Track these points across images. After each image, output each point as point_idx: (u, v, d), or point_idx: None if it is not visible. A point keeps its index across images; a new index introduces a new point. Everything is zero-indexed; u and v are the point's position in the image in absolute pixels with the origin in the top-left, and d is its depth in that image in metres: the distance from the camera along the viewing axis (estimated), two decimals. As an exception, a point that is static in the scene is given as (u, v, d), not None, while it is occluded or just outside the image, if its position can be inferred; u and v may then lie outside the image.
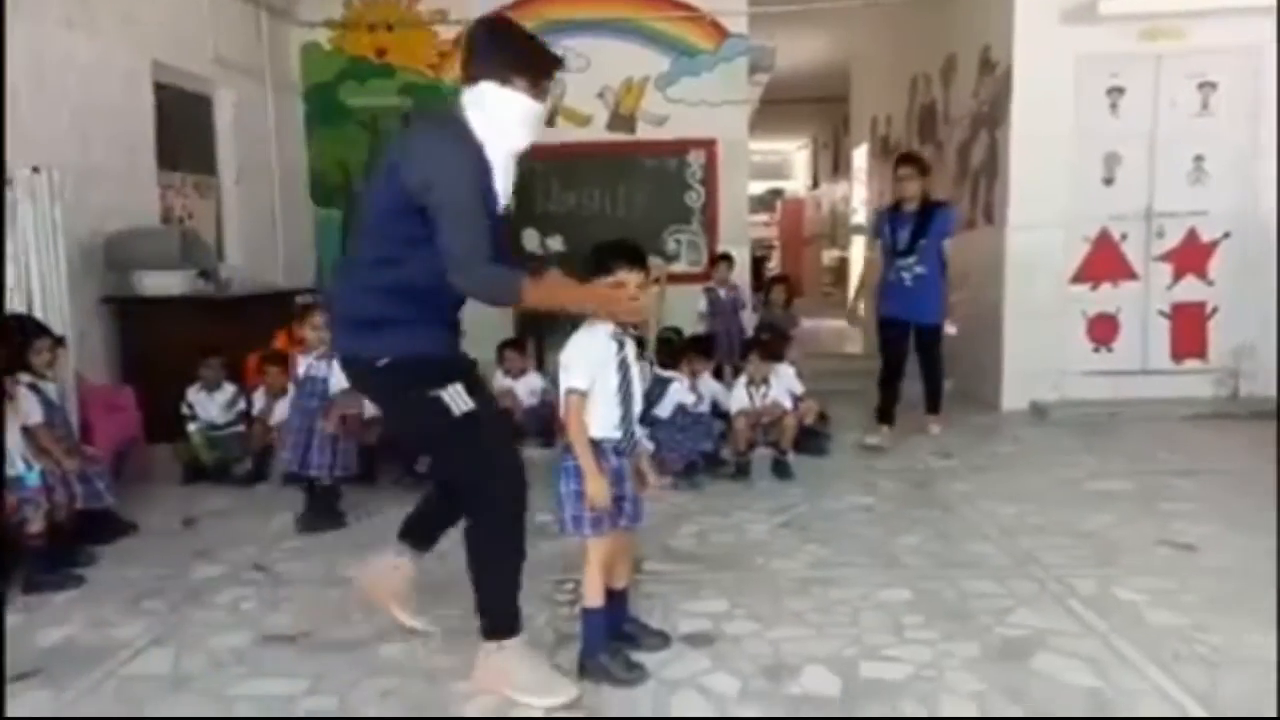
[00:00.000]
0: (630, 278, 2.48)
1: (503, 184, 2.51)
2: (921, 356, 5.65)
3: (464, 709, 2.52)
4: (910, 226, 5.39)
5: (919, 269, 5.38)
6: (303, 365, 4.29)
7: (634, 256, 2.52)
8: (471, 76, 2.46)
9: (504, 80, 2.42)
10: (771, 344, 5.15)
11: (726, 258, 6.95)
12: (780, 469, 4.84)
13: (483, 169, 2.41)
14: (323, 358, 4.27)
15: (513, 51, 2.47)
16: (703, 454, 4.88)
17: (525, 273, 2.45)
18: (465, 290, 2.41)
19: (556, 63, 2.55)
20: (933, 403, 5.75)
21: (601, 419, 2.54)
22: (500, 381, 5.49)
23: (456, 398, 2.46)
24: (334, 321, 2.67)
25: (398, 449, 4.87)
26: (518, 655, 2.56)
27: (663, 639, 2.83)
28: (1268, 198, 6.20)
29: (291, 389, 4.39)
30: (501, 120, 2.44)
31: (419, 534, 2.87)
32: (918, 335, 5.56)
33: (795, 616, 3.06)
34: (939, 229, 5.37)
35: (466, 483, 2.58)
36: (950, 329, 5.42)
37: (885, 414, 5.61)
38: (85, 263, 5.17)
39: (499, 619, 2.56)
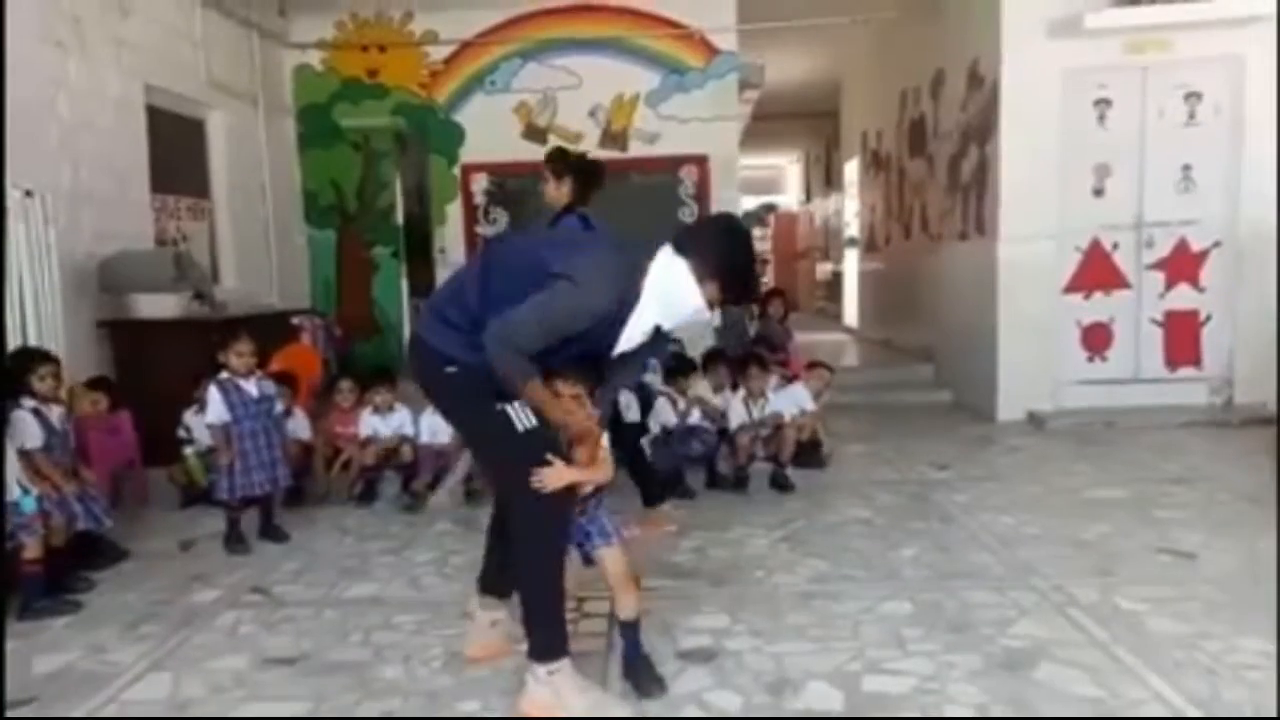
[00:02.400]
0: (565, 389, 2.54)
1: (627, 338, 2.54)
2: None
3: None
4: None
5: None
6: (254, 389, 4.18)
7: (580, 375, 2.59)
8: (682, 246, 2.48)
9: (701, 276, 2.45)
10: (763, 357, 5.19)
11: (779, 293, 7.03)
12: (780, 482, 4.84)
13: (613, 307, 2.43)
14: (263, 379, 4.27)
15: (731, 267, 2.49)
16: (691, 459, 4.88)
17: (534, 372, 2.43)
18: (488, 345, 2.38)
19: (751, 299, 2.61)
20: (642, 490, 4.31)
21: None
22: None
23: (521, 413, 2.47)
24: (425, 315, 2.65)
25: (397, 469, 4.88)
26: (569, 680, 2.52)
27: (659, 686, 2.68)
28: (1256, 206, 6.25)
29: (225, 413, 4.09)
30: (670, 299, 2.48)
31: (499, 583, 2.92)
32: None
33: (796, 631, 3.05)
34: None
35: (519, 499, 2.54)
36: None
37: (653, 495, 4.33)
38: (79, 286, 5.16)
39: (549, 639, 2.54)
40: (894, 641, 2.95)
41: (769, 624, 3.11)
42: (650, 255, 2.49)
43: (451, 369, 2.50)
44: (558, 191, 4.27)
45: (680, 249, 2.48)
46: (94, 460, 4.27)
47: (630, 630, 2.70)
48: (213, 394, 4.11)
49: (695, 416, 4.95)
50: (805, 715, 2.53)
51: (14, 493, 3.40)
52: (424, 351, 2.57)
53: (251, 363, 4.20)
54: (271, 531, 4.25)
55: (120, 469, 4.74)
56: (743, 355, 5.40)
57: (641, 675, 2.68)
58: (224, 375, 4.15)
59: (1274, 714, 2.43)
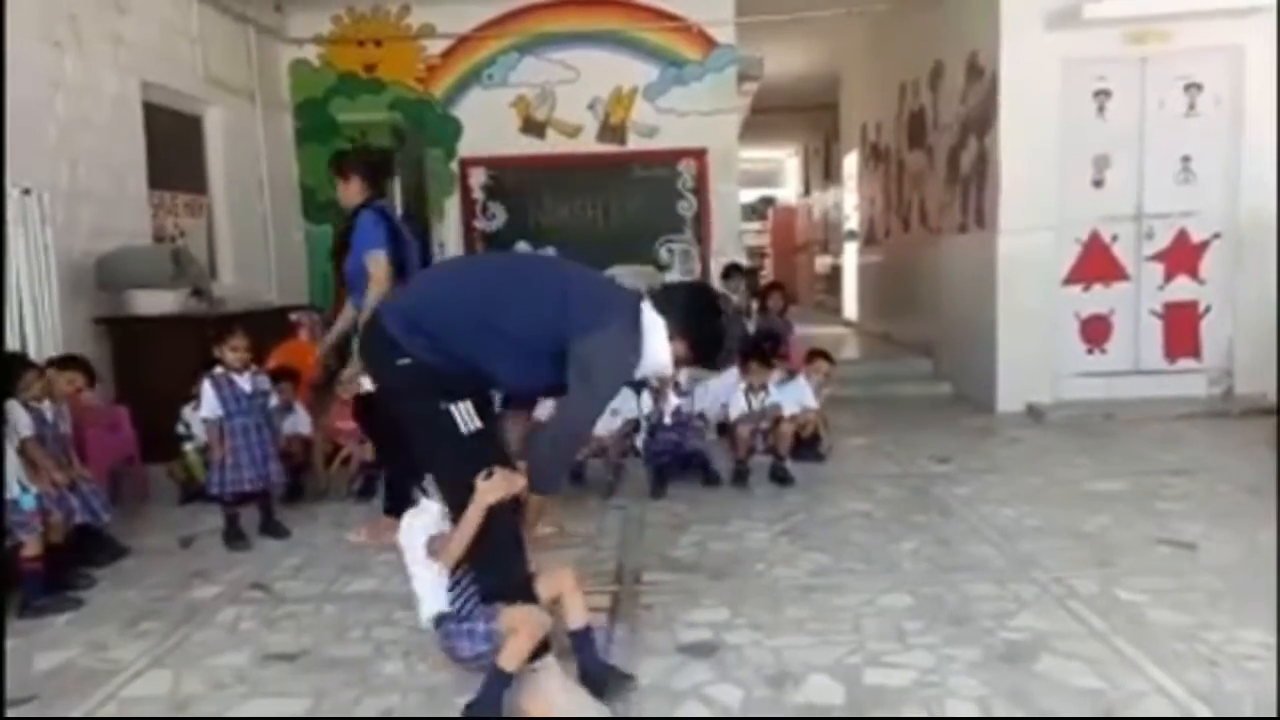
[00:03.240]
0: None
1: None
2: None
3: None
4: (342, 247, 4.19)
5: (353, 297, 4.15)
6: (248, 384, 4.16)
7: None
8: (662, 306, 2.65)
9: (673, 334, 2.63)
10: (766, 352, 5.19)
11: (739, 268, 7.08)
12: (779, 475, 4.84)
13: (630, 372, 2.70)
14: (258, 374, 4.26)
15: (700, 328, 2.70)
16: (682, 460, 4.88)
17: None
18: (551, 430, 2.63)
19: (714, 363, 3.01)
20: (389, 495, 4.17)
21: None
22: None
23: (466, 415, 2.50)
24: (396, 309, 2.69)
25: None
26: (553, 677, 2.51)
27: (629, 681, 2.64)
28: (1256, 197, 6.23)
29: (217, 408, 4.08)
30: (648, 354, 2.64)
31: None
32: None
33: (796, 624, 3.05)
34: (357, 241, 4.02)
35: (458, 500, 2.55)
36: (364, 384, 3.93)
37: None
38: (77, 283, 5.15)
39: None
40: (894, 634, 2.95)
41: (769, 617, 3.11)
42: (626, 304, 2.65)
43: (404, 361, 2.54)
44: (348, 190, 4.18)
45: (658, 307, 2.64)
46: (93, 457, 4.27)
47: (583, 641, 2.62)
48: (206, 389, 4.09)
49: (669, 405, 4.90)
50: (806, 708, 2.53)
51: (13, 490, 3.40)
52: (382, 337, 2.61)
53: (246, 358, 4.18)
54: (272, 528, 4.25)
55: (120, 466, 4.74)
56: (743, 350, 5.38)
57: (607, 677, 2.59)
58: (218, 370, 4.13)
59: (1275, 704, 2.43)
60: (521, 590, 2.52)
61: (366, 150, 4.43)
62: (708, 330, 2.73)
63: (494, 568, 2.52)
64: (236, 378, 4.14)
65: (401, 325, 2.57)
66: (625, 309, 2.63)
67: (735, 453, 4.90)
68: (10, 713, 2.63)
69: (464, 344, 2.55)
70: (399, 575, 3.66)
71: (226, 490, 4.11)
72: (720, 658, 2.82)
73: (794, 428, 4.94)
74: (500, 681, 2.41)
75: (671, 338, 2.62)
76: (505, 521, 2.52)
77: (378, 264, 3.92)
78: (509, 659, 2.40)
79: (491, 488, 2.45)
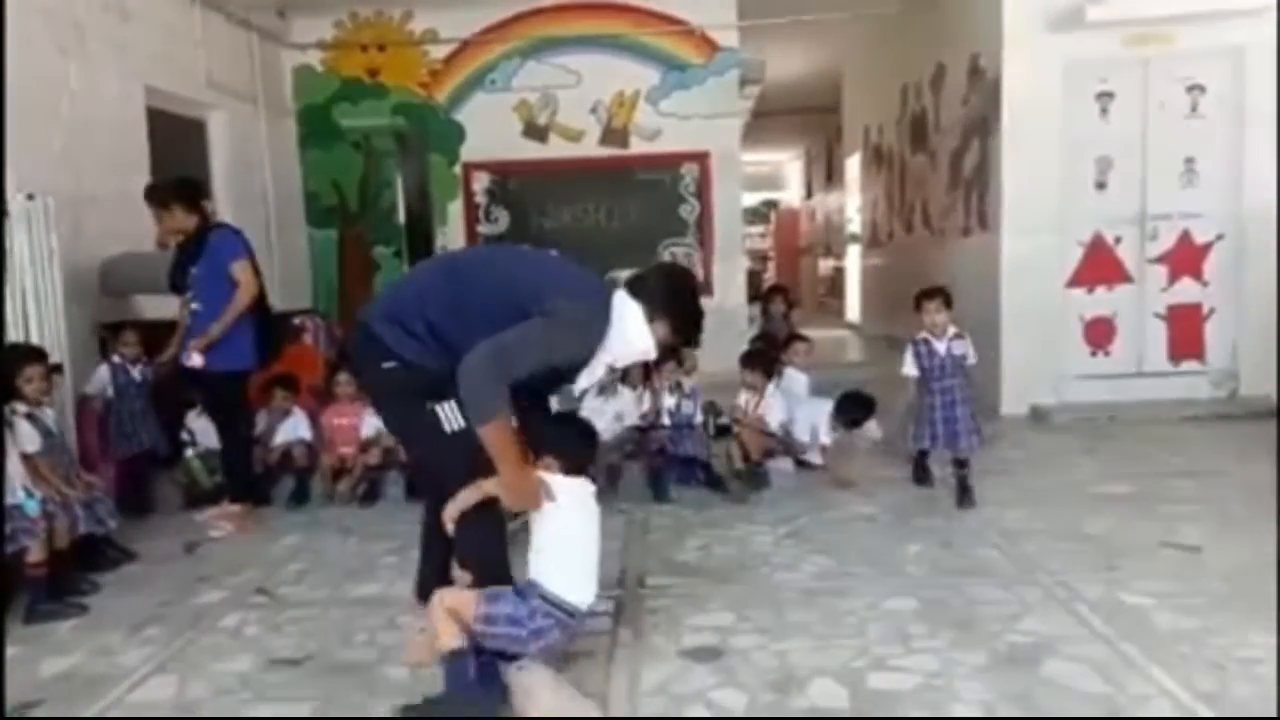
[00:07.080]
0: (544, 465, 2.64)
1: (587, 378, 2.76)
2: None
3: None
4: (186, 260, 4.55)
5: (195, 305, 4.52)
6: (138, 374, 4.78)
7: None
8: (638, 291, 2.69)
9: (651, 316, 2.67)
10: (767, 357, 5.19)
11: (782, 289, 7.38)
12: (755, 479, 4.79)
13: (590, 349, 2.64)
14: (146, 367, 4.85)
15: (679, 306, 2.74)
16: (681, 464, 4.86)
17: (508, 414, 2.49)
18: (472, 366, 2.40)
19: (697, 341, 2.87)
20: (229, 481, 4.60)
21: None
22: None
23: (450, 414, 2.57)
24: (379, 312, 2.75)
25: (402, 469, 4.87)
26: (538, 677, 2.53)
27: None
28: (1259, 199, 6.23)
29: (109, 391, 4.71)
30: (624, 339, 2.66)
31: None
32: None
33: (801, 628, 3.05)
34: (218, 253, 4.45)
35: (451, 494, 2.63)
36: (196, 359, 4.37)
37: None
38: (81, 289, 5.15)
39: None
40: (899, 638, 2.94)
41: (774, 621, 3.11)
42: (600, 287, 2.70)
43: (390, 364, 2.60)
44: (174, 217, 4.51)
45: (634, 293, 2.67)
46: (98, 460, 4.27)
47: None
48: (102, 372, 4.72)
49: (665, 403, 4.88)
50: (811, 713, 2.52)
51: (17, 495, 3.40)
52: (369, 342, 2.67)
53: (137, 352, 4.80)
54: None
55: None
56: (743, 354, 5.35)
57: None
58: (116, 359, 4.75)
59: (1276, 708, 2.43)
60: (497, 572, 2.64)
61: (177, 179, 4.77)
62: (688, 310, 2.77)
63: (474, 548, 2.63)
64: (130, 368, 4.76)
65: (384, 327, 2.64)
66: (598, 292, 2.68)
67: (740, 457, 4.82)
68: (18, 716, 2.63)
69: (443, 329, 2.59)
70: (403, 579, 3.67)
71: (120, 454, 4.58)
72: (724, 662, 2.82)
73: (758, 439, 4.87)
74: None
75: (651, 320, 2.66)
76: (489, 510, 2.60)
77: (245, 270, 4.42)
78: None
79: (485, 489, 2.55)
